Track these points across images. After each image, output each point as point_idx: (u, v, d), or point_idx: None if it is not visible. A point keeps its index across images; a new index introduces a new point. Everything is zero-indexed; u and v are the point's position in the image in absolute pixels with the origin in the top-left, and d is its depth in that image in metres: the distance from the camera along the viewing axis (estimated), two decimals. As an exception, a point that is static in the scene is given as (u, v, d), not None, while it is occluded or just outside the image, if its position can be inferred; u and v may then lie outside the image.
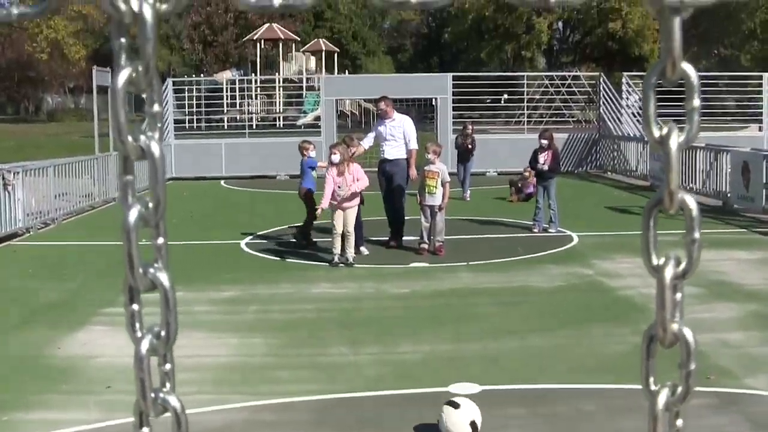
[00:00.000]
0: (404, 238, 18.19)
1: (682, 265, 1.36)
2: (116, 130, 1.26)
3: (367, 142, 18.42)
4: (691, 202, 1.34)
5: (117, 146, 1.28)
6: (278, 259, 17.02)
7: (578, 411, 8.84)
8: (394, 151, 18.06)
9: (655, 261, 1.37)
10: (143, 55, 1.23)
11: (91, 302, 13.49)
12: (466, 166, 27.13)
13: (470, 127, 27.92)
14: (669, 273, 1.35)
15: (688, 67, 1.29)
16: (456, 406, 7.97)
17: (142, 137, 1.27)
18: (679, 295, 1.36)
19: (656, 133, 1.32)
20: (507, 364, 10.37)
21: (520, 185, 26.83)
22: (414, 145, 18.02)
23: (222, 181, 33.52)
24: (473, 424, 7.91)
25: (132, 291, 1.30)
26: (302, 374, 10.07)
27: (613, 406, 8.81)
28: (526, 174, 26.81)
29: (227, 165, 34.74)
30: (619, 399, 8.93)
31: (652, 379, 1.40)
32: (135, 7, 1.23)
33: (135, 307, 1.32)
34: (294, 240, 18.39)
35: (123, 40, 1.25)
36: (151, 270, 1.30)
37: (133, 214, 1.26)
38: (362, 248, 17.18)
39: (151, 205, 1.28)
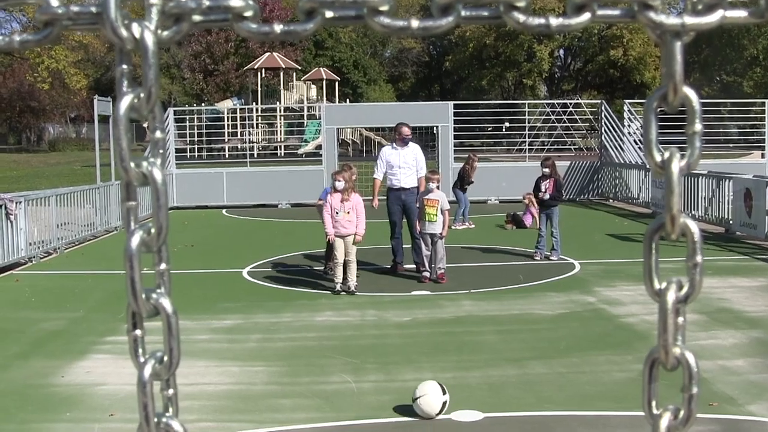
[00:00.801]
0: (405, 266, 18.33)
1: (684, 289, 1.36)
2: (118, 156, 1.26)
3: (381, 172, 18.48)
4: (693, 226, 1.34)
5: (119, 172, 1.28)
6: (280, 287, 17.01)
7: (581, 439, 8.83)
8: (409, 179, 18.20)
9: (657, 285, 1.37)
10: (145, 81, 1.24)
11: (94, 331, 13.48)
12: (464, 195, 27.15)
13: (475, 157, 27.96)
14: (671, 297, 1.35)
15: (689, 92, 1.30)
16: (430, 391, 9.44)
17: (144, 163, 1.27)
18: (681, 319, 1.36)
19: (658, 158, 1.33)
20: (509, 391, 10.34)
21: (518, 213, 26.85)
22: (423, 173, 18.12)
23: (224, 210, 33.52)
24: (444, 404, 9.43)
25: (135, 316, 1.31)
26: (304, 402, 10.05)
27: (616, 434, 8.79)
28: (526, 201, 26.85)
29: (229, 194, 34.75)
30: (621, 427, 8.91)
31: (654, 403, 1.40)
32: (137, 34, 1.24)
33: (138, 332, 1.32)
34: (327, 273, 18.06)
35: (125, 66, 1.25)
36: (154, 296, 1.31)
37: (136, 240, 1.27)
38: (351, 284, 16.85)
39: (153, 231, 1.28)
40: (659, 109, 1.35)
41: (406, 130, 18.65)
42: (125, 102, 1.25)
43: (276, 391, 10.44)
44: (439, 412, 9.37)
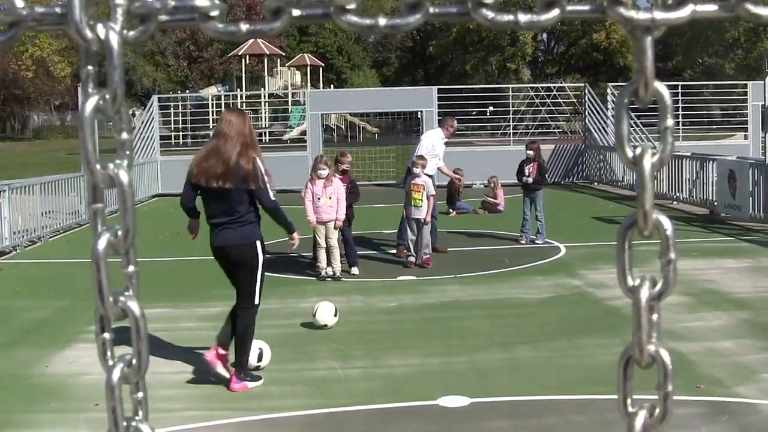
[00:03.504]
0: (388, 251, 18.60)
1: (658, 286, 1.35)
2: (84, 158, 1.25)
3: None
4: (666, 222, 1.33)
5: (85, 174, 1.27)
6: (266, 273, 16.97)
7: (568, 423, 8.85)
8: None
9: (630, 282, 1.37)
10: (110, 82, 1.22)
11: (78, 320, 13.43)
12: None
13: None
14: (645, 294, 1.35)
15: (661, 87, 1.29)
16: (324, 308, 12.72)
17: (111, 165, 1.26)
18: (655, 316, 1.35)
19: (629, 154, 1.32)
20: (496, 376, 10.35)
21: (488, 198, 26.97)
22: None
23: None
24: (337, 310, 12.69)
25: (103, 320, 1.29)
26: (291, 389, 10.06)
27: (603, 419, 8.80)
28: (491, 185, 26.93)
29: (209, 183, 34.60)
30: (609, 411, 8.91)
31: (629, 401, 1.39)
32: (101, 35, 1.22)
33: (106, 335, 1.31)
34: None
35: (90, 67, 1.24)
36: (122, 298, 1.30)
37: (102, 243, 1.26)
38: (354, 269, 16.90)
39: (120, 233, 1.27)
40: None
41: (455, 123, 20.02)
42: (90, 103, 1.23)
43: (264, 378, 10.42)
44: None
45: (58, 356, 11.63)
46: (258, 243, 10.47)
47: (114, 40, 1.22)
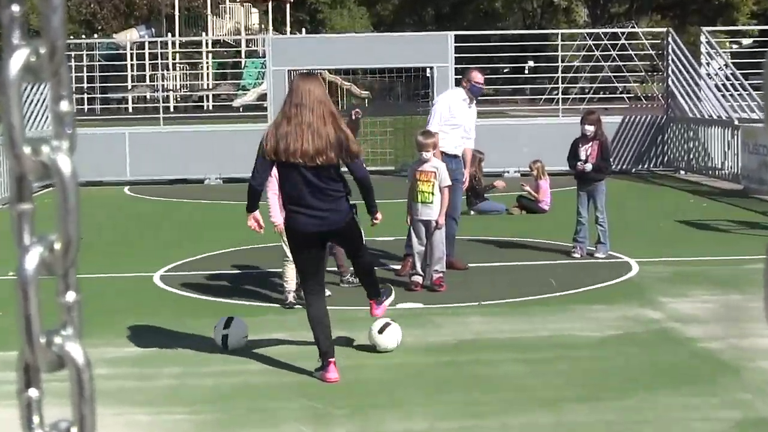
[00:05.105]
0: (384, 266, 18.68)
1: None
2: (7, 137, 1.23)
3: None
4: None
5: (8, 160, 1.25)
6: (208, 298, 16.92)
7: None
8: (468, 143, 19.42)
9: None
10: (46, 30, 1.21)
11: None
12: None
13: None
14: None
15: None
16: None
17: (45, 148, 1.25)
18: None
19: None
20: (539, 449, 10.37)
21: (524, 193, 27.07)
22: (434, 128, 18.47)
23: (126, 188, 33.41)
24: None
25: (29, 371, 1.28)
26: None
27: None
28: (534, 172, 26.80)
29: (133, 164, 34.57)
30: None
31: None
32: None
33: (33, 393, 1.29)
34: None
35: (16, 8, 1.23)
36: (58, 339, 1.28)
37: (33, 260, 1.24)
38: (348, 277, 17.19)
39: (58, 246, 1.26)
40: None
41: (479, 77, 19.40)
42: (18, 60, 1.22)
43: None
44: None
45: None
46: (353, 212, 13.03)
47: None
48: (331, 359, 12.44)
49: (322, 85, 13.04)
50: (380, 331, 13.63)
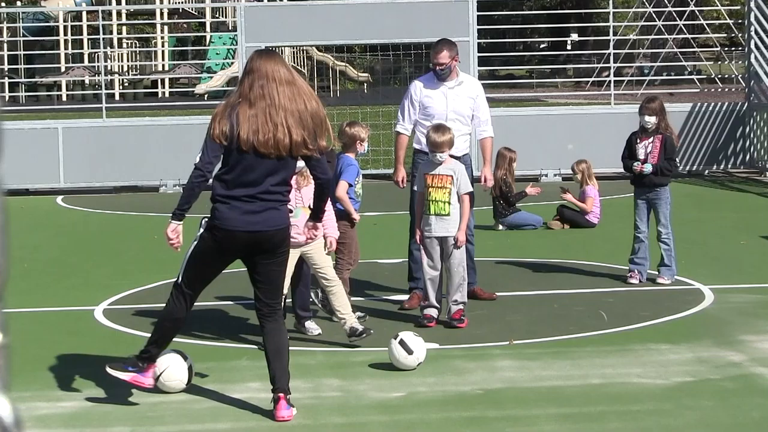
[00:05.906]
0: (392, 296, 18.84)
1: None
2: None
3: (408, 126, 18.72)
4: None
5: None
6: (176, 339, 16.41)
7: None
8: (459, 139, 18.01)
9: None
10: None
11: None
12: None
13: None
14: None
15: None
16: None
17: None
18: None
19: None
20: None
21: (567, 203, 26.88)
22: (490, 131, 18.76)
23: (59, 198, 33.64)
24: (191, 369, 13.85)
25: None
26: None
27: None
28: (578, 176, 26.32)
29: (68, 167, 34.58)
30: None
31: None
32: None
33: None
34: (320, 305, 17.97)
35: None
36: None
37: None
38: (309, 323, 16.83)
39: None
40: None
41: (444, 56, 19.01)
42: None
43: None
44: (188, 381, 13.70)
45: None
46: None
47: None
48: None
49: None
50: (402, 343, 14.47)
